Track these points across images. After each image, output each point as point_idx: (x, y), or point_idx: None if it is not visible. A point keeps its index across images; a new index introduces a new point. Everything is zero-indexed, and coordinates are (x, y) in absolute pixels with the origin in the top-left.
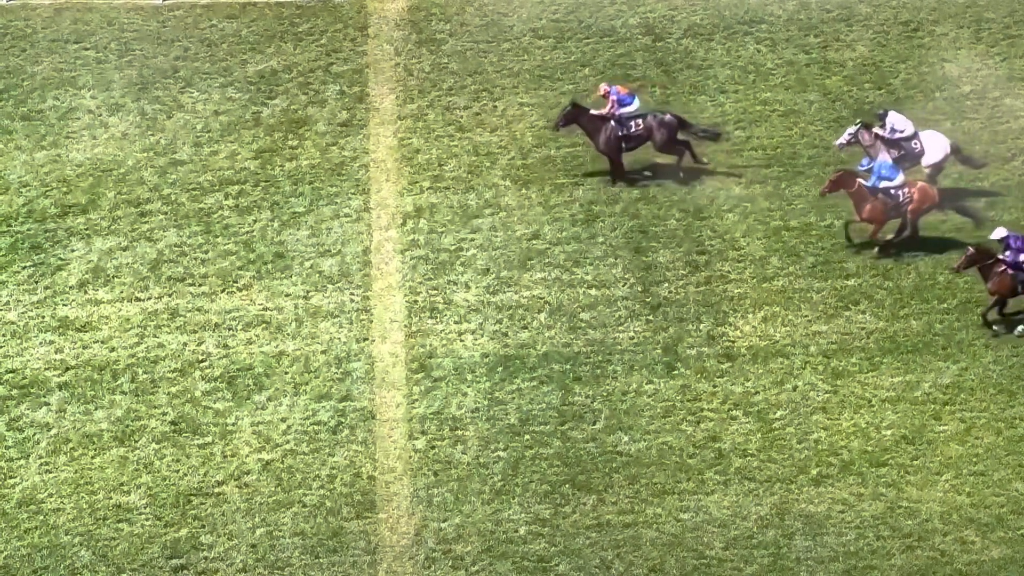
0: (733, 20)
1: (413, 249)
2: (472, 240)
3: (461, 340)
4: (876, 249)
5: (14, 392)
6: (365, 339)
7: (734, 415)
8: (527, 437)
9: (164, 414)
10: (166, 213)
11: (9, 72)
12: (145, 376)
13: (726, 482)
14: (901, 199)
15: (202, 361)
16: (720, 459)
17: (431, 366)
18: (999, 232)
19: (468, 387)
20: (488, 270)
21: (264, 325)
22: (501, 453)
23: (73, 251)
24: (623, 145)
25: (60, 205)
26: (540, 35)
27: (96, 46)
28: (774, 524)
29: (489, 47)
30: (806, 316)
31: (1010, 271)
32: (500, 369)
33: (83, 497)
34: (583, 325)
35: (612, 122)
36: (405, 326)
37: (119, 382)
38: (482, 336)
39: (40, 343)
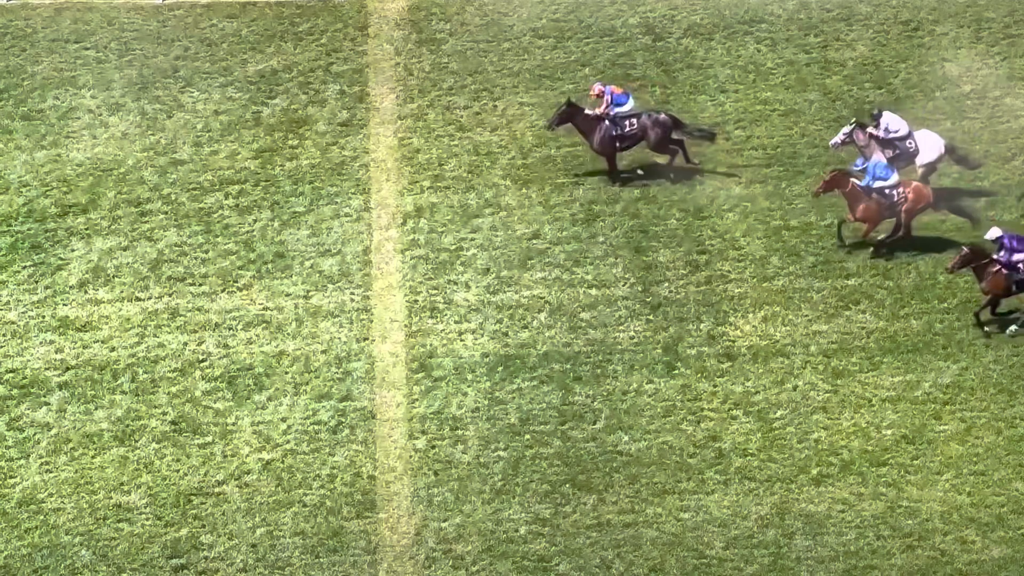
0: (733, 20)
1: (413, 249)
2: (472, 240)
3: (461, 340)
4: (871, 249)
5: (14, 392)
6: (365, 339)
7: (734, 415)
8: (527, 437)
9: (164, 414)
10: (166, 213)
11: (9, 72)
12: (145, 376)
13: (726, 482)
14: (896, 199)
15: (202, 361)
16: (720, 459)
17: (431, 366)
18: (994, 232)
19: (468, 387)
20: (488, 270)
21: (264, 325)
22: (501, 453)
23: (73, 251)
24: (617, 145)
25: (60, 205)
26: (540, 35)
27: (96, 46)
28: (774, 524)
29: (489, 47)
30: (806, 316)
31: (1004, 271)
32: (500, 369)
33: (83, 497)
34: (583, 325)
35: (607, 121)
36: (405, 326)
37: (119, 382)
38: (482, 336)
39: (40, 343)
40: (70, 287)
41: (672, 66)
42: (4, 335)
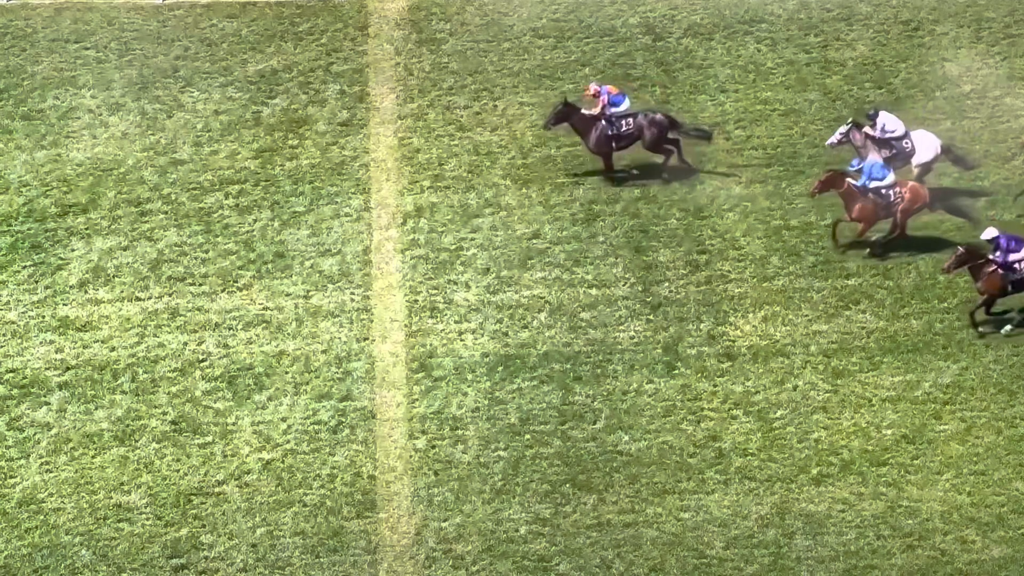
0: (733, 19)
1: (413, 248)
2: (472, 239)
3: (461, 339)
4: (868, 249)
5: (14, 392)
6: (365, 339)
7: (734, 414)
8: (527, 437)
9: (164, 414)
10: (166, 212)
11: (9, 72)
12: (145, 376)
13: (727, 481)
14: (892, 199)
15: (202, 361)
16: (720, 458)
17: (431, 366)
18: (989, 232)
19: (468, 387)
20: (488, 269)
21: (264, 325)
22: (501, 453)
23: (73, 251)
24: (613, 145)
25: (60, 204)
26: (540, 35)
27: (96, 46)
28: (775, 523)
29: (489, 46)
30: (806, 315)
31: (1000, 271)
32: (500, 369)
33: (83, 497)
34: (583, 324)
35: (603, 121)
36: (405, 325)
37: (119, 382)
38: (482, 336)
39: (40, 343)
40: (70, 287)
41: (672, 66)
42: (4, 335)
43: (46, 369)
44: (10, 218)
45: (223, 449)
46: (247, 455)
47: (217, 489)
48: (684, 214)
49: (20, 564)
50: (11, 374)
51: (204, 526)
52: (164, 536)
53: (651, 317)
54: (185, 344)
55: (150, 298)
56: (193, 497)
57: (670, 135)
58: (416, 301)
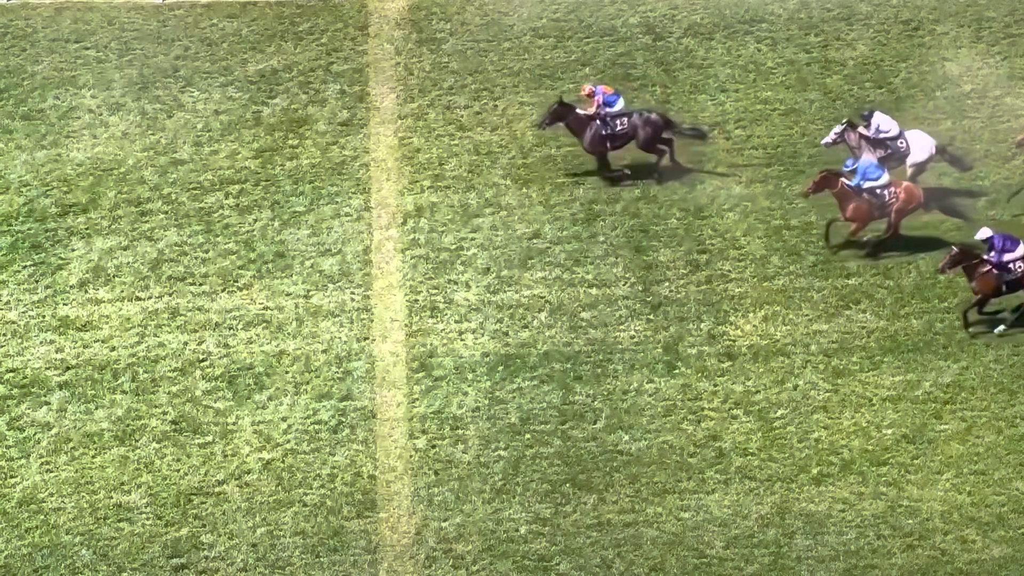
0: (733, 19)
1: (414, 248)
2: (473, 239)
3: (462, 339)
4: (864, 250)
5: (14, 392)
6: (366, 338)
7: (735, 414)
8: (528, 436)
9: (165, 413)
10: (166, 212)
11: (9, 72)
12: (146, 375)
13: (727, 481)
14: (887, 199)
15: (203, 360)
16: (721, 458)
17: (432, 365)
18: (984, 232)
19: (469, 386)
20: (489, 269)
21: (265, 324)
22: (502, 452)
23: (73, 250)
24: (608, 144)
25: (60, 204)
26: (540, 34)
27: (96, 45)
28: (775, 523)
29: (489, 46)
30: (807, 315)
31: (995, 271)
32: (501, 368)
33: (84, 496)
34: (584, 324)
35: (597, 121)
36: (406, 325)
37: (120, 381)
38: (483, 335)
39: (40, 342)
40: (70, 287)
41: (672, 66)
42: (4, 335)
43: (46, 369)
44: (10, 218)
45: (223, 449)
46: (247, 455)
47: (217, 489)
48: (684, 214)
49: (20, 564)
50: (11, 374)
51: (204, 526)
52: (164, 536)
53: (651, 317)
54: (185, 344)
55: (150, 298)
56: (193, 497)
57: (664, 135)
58: (416, 301)
